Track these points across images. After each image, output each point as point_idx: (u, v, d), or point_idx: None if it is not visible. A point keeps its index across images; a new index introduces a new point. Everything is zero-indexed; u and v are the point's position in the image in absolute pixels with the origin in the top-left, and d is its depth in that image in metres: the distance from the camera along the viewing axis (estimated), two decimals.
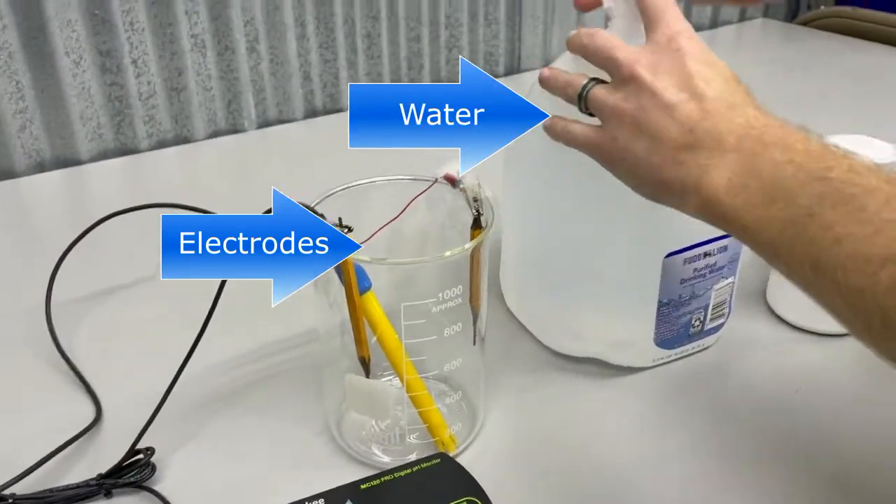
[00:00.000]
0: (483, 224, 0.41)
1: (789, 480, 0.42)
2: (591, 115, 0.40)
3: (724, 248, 0.48)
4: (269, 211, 0.38)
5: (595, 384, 0.49)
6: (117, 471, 0.41)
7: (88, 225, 0.56)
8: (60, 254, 0.56)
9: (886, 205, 0.29)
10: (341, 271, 0.39)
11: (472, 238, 0.41)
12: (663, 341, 0.49)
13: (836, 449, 0.45)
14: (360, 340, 0.41)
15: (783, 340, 0.53)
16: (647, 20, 0.39)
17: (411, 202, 0.44)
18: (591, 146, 0.40)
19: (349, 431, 0.45)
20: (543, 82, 0.42)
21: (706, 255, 0.47)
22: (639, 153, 0.37)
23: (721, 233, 0.47)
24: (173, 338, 0.49)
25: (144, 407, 0.44)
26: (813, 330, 0.53)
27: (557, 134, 0.41)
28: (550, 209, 0.48)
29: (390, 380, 0.44)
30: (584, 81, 0.40)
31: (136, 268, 0.62)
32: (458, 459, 0.41)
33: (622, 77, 0.38)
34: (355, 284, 0.39)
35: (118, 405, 0.47)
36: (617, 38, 0.39)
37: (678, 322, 0.49)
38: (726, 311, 0.51)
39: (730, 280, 0.50)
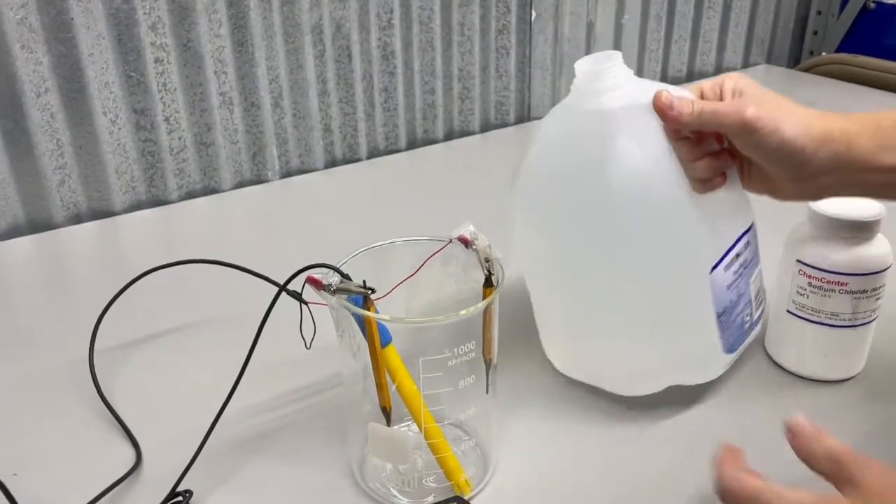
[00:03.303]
0: (494, 283, 0.45)
1: None
2: None
3: (748, 243, 0.51)
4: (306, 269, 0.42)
5: (603, 429, 0.52)
6: None
7: (124, 273, 0.60)
8: (99, 302, 0.60)
9: None
10: (365, 327, 0.43)
11: (485, 296, 0.45)
12: (729, 347, 0.51)
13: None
14: (381, 390, 0.44)
15: (781, 386, 0.56)
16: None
17: (427, 260, 0.47)
18: None
19: (370, 475, 0.48)
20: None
21: (738, 255, 0.50)
22: None
23: (741, 230, 0.51)
24: (206, 384, 0.52)
25: (180, 451, 0.47)
26: (809, 376, 0.56)
27: None
28: (593, 251, 0.49)
29: (408, 426, 0.48)
30: None
31: (170, 316, 0.66)
32: (473, 502, 0.44)
33: None
34: (378, 340, 0.43)
35: (157, 449, 0.51)
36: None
37: (735, 324, 0.51)
38: (763, 296, 0.54)
39: (758, 267, 0.53)
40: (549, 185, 0.50)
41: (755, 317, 0.53)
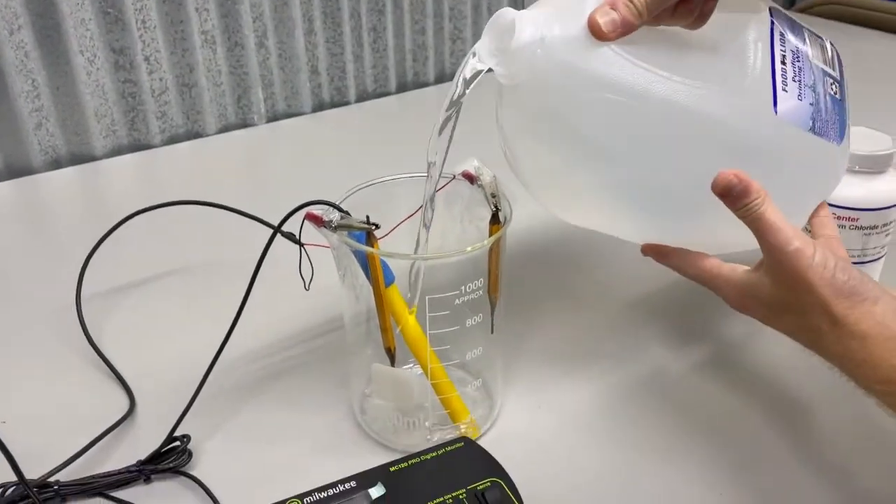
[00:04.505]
0: (502, 219, 0.43)
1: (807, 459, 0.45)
2: None
3: (781, 35, 0.43)
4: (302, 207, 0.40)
5: (608, 368, 0.52)
6: (156, 457, 0.43)
7: (106, 219, 0.57)
8: (82, 249, 0.57)
9: None
10: (368, 266, 0.41)
11: (491, 233, 0.43)
12: (839, 134, 0.45)
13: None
14: (385, 331, 0.43)
15: None
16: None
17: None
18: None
19: (374, 417, 0.47)
20: None
21: (783, 60, 0.42)
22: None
23: (765, 30, 0.43)
24: (198, 329, 0.51)
25: (175, 396, 0.46)
26: None
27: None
28: (662, 185, 0.42)
29: (411, 368, 0.46)
30: None
31: (158, 262, 0.64)
32: (479, 443, 0.43)
33: None
34: (382, 279, 0.41)
35: (150, 395, 0.49)
36: None
37: (833, 116, 0.45)
38: (834, 51, 0.48)
39: (804, 35, 0.45)
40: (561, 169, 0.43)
41: (838, 74, 0.46)
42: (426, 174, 0.42)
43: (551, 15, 0.39)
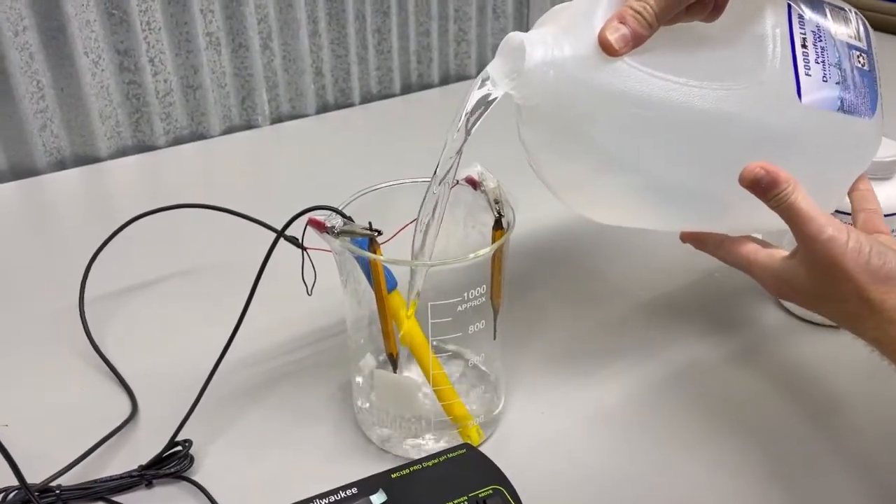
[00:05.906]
0: (505, 225, 0.43)
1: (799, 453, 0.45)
2: None
3: (800, 17, 0.43)
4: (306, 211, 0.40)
5: (609, 372, 0.51)
6: (157, 462, 0.43)
7: (110, 221, 0.57)
8: (86, 251, 0.57)
9: None
10: (370, 271, 0.41)
11: (494, 239, 0.43)
12: (871, 107, 0.45)
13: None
14: (388, 336, 0.43)
15: (791, 333, 0.55)
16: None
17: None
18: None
19: (376, 423, 0.47)
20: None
21: (804, 45, 0.42)
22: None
23: (783, 19, 0.43)
24: (201, 333, 0.51)
25: (177, 400, 0.46)
26: (821, 322, 0.55)
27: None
28: (694, 189, 0.42)
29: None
30: None
31: (161, 265, 0.64)
32: (481, 450, 0.43)
33: None
34: (384, 285, 0.41)
35: (152, 399, 0.49)
36: None
37: (863, 89, 0.44)
38: (858, 19, 0.47)
39: (826, 11, 0.45)
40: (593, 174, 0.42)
41: (864, 44, 0.45)
42: (420, 230, 0.41)
43: (560, 33, 0.39)
